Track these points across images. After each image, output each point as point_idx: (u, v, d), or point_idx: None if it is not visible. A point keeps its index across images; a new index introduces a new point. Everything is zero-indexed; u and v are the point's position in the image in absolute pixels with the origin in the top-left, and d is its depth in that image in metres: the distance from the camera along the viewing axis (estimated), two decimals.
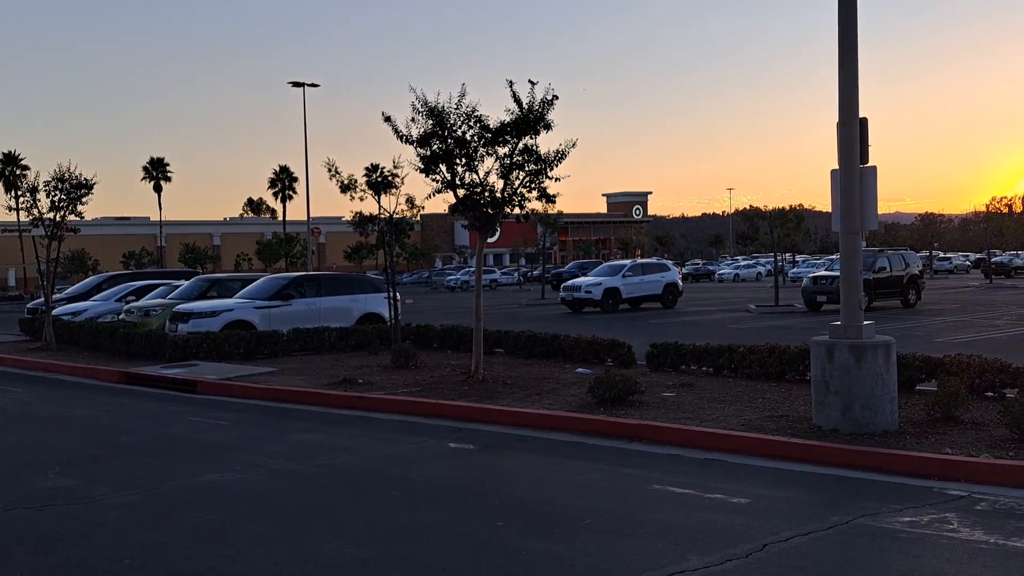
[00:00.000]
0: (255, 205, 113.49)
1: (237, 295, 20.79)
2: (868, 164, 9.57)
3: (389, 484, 8.15)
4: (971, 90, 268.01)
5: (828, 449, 8.64)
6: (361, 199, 16.70)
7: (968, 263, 76.77)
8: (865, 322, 9.51)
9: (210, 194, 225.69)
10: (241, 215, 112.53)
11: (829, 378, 9.37)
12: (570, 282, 33.50)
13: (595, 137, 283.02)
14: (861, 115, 9.51)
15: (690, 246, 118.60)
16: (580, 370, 14.23)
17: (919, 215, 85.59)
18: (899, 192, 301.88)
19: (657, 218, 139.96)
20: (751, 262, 72.69)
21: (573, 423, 10.44)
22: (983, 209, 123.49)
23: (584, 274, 37.69)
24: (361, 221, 17.79)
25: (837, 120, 9.58)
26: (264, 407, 12.76)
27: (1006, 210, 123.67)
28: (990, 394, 10.88)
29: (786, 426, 9.66)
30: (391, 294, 18.27)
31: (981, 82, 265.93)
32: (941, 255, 77.91)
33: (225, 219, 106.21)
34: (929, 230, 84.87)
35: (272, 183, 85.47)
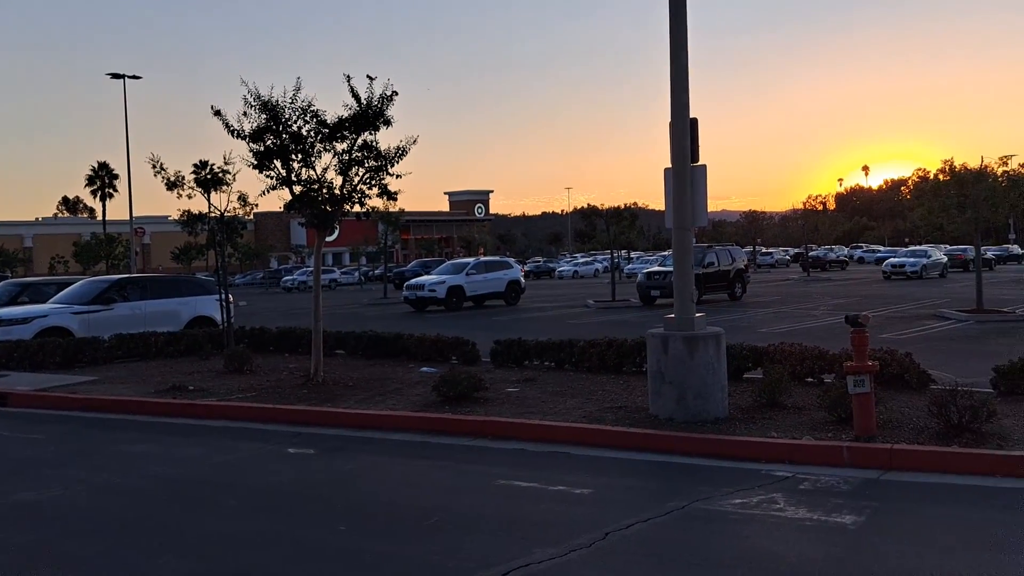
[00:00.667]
0: (71, 204, 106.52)
1: (52, 300, 19.42)
2: (698, 163, 9.97)
3: (225, 493, 7.78)
4: (791, 95, 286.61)
5: (664, 437, 8.94)
6: (189, 197, 15.88)
7: (788, 258, 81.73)
8: (697, 315, 9.90)
9: (20, 193, 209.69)
10: (55, 215, 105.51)
11: (664, 369, 9.70)
12: (413, 280, 33.33)
13: (438, 136, 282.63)
14: (692, 115, 9.90)
15: (531, 244, 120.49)
16: (424, 369, 14.12)
17: (744, 212, 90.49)
18: (725, 191, 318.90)
19: (499, 216, 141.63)
20: (589, 259, 74.70)
21: (418, 422, 10.33)
22: (801, 206, 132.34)
23: (427, 273, 37.60)
24: (190, 220, 16.87)
25: (669, 120, 9.92)
26: (86, 419, 11.91)
27: (821, 207, 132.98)
28: (810, 380, 11.59)
29: (625, 416, 9.93)
30: (223, 296, 17.51)
31: (800, 87, 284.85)
32: (764, 250, 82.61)
33: (37, 219, 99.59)
34: (753, 227, 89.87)
35: (90, 180, 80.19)
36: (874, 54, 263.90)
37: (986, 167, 23.53)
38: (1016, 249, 75.11)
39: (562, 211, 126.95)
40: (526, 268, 72.15)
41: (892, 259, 49.09)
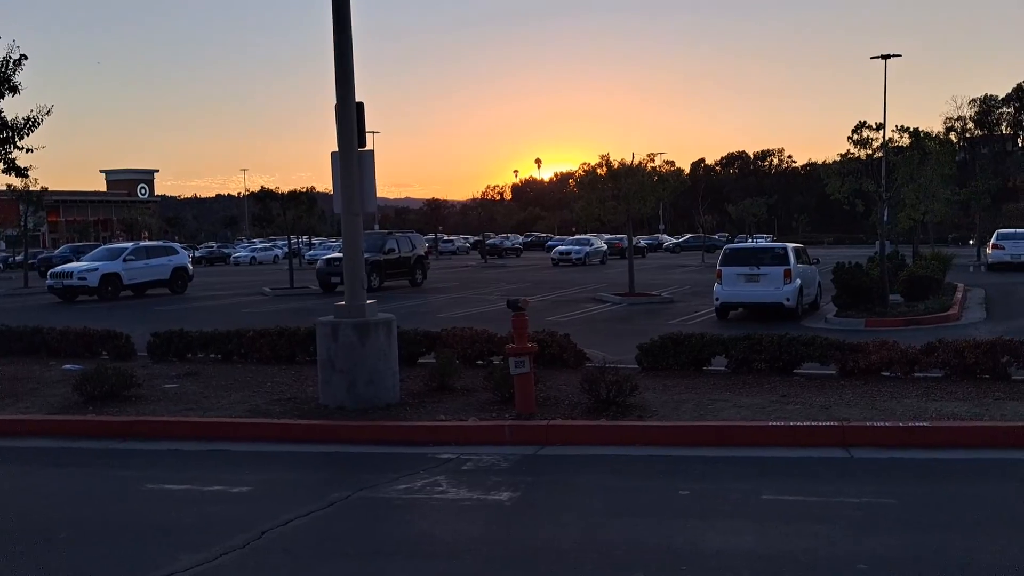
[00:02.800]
0: None
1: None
2: (366, 148, 9.82)
3: None
4: (472, 86, 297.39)
5: (331, 427, 8.73)
6: None
7: (468, 245, 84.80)
8: (368, 301, 9.78)
9: None
10: None
11: (335, 357, 9.48)
12: (60, 268, 29.92)
13: (99, 110, 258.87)
14: (359, 99, 9.72)
15: (204, 228, 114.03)
16: (68, 366, 12.67)
17: (427, 200, 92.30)
18: (408, 179, 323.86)
19: (167, 198, 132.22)
20: (268, 245, 72.25)
21: (55, 427, 9.21)
22: (480, 196, 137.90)
23: (79, 259, 34.00)
24: None
25: (335, 103, 9.67)
26: None
27: (499, 197, 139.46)
28: (481, 362, 11.94)
29: (294, 408, 9.59)
30: None
31: (480, 80, 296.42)
32: (446, 238, 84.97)
33: None
34: (436, 215, 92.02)
35: None
36: (551, 53, 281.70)
37: (640, 163, 25.90)
38: (666, 238, 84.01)
39: (239, 193, 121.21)
40: (197, 254, 68.24)
41: (560, 247, 52.68)
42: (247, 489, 6.99)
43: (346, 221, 9.84)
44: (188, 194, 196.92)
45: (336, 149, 9.77)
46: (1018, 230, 37.99)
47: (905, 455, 7.35)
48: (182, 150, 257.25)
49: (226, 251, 73.86)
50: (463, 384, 10.41)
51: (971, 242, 56.93)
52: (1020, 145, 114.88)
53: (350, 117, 9.59)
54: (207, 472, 7.58)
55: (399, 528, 5.98)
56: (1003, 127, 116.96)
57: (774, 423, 8.04)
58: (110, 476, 7.64)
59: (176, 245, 33.92)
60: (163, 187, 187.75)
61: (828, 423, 7.93)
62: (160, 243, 34.74)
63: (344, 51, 9.56)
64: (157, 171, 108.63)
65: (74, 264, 30.45)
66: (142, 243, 32.97)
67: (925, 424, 7.76)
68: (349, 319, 9.56)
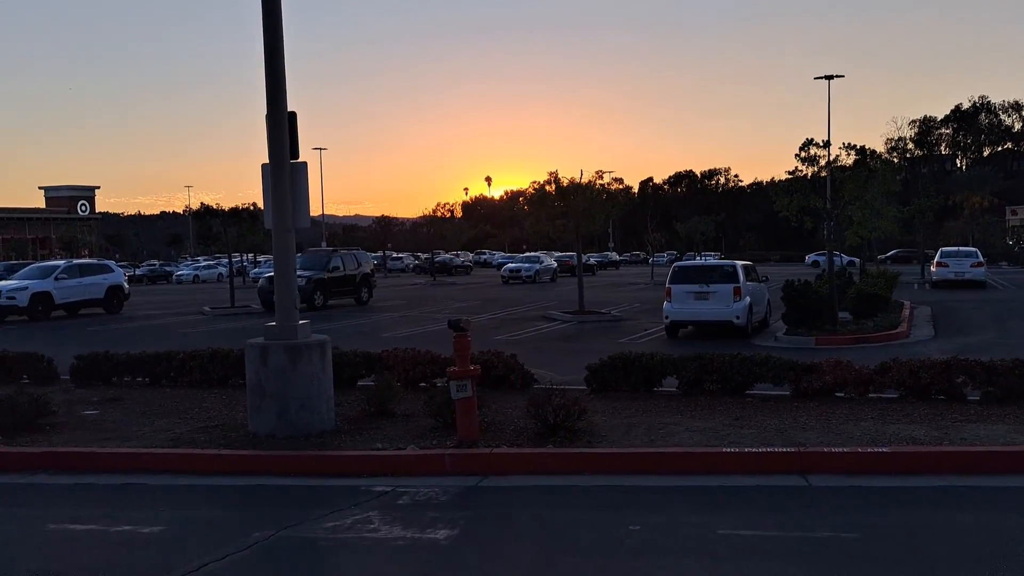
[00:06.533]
0: None
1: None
2: (299, 159, 9.28)
3: None
4: (420, 103, 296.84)
5: (258, 458, 8.13)
6: None
7: (418, 262, 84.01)
8: (301, 321, 9.23)
9: None
10: None
11: (264, 381, 8.90)
12: None
13: (38, 127, 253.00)
14: (295, 109, 9.19)
15: (146, 246, 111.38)
16: None
17: (376, 218, 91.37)
18: (359, 196, 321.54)
19: (109, 215, 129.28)
20: (213, 263, 70.73)
21: None
22: (430, 213, 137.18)
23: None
24: None
25: (266, 113, 9.13)
26: None
27: (449, 215, 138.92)
28: (424, 384, 11.40)
29: (221, 436, 8.97)
30: None
31: (430, 96, 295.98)
32: (395, 255, 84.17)
33: None
34: (385, 232, 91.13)
35: None
36: (501, 70, 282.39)
37: (589, 181, 25.61)
38: (615, 256, 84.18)
39: (184, 211, 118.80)
40: (139, 272, 66.51)
41: (509, 264, 52.30)
42: (159, 529, 6.37)
43: (278, 237, 9.27)
44: (132, 211, 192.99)
45: (267, 161, 9.22)
46: (961, 248, 38.64)
47: (865, 483, 6.98)
48: (125, 167, 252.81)
49: (168, 269, 72.13)
50: (404, 409, 9.87)
51: (914, 261, 57.85)
52: (959, 165, 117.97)
53: (281, 127, 9.05)
54: (118, 510, 6.93)
55: (324, 571, 5.44)
56: (942, 147, 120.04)
57: (728, 449, 7.64)
58: (9, 515, 6.96)
59: (111, 263, 32.62)
60: (106, 204, 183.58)
61: (785, 449, 7.55)
62: (95, 261, 33.48)
63: (273, 52, 9.01)
64: (98, 188, 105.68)
65: (2, 283, 29.13)
66: (75, 261, 31.69)
67: (884, 450, 7.41)
68: (280, 341, 8.99)
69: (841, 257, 35.38)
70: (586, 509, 6.64)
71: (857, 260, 38.71)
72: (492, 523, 6.46)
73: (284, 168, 9.09)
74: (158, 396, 11.50)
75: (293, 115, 9.16)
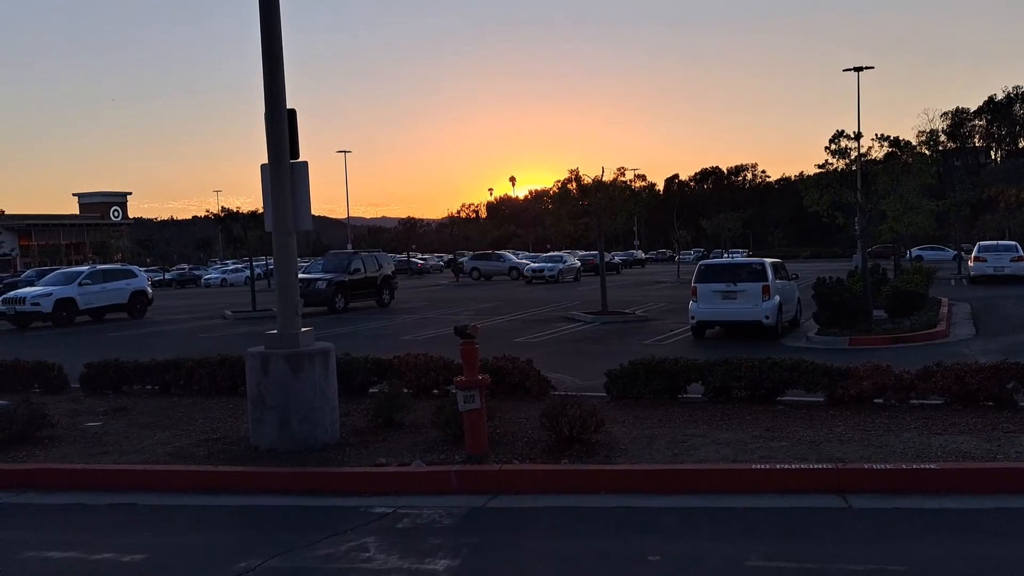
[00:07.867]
0: None
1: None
2: (299, 159, 8.80)
3: None
4: (445, 105, 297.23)
5: (256, 475, 7.65)
6: None
7: (442, 263, 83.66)
8: (303, 329, 8.76)
9: None
10: None
11: (265, 392, 8.45)
12: (12, 293, 28.53)
13: (69, 134, 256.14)
14: (290, 106, 8.72)
15: (176, 250, 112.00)
16: None
17: (402, 219, 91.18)
18: (384, 197, 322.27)
19: (143, 220, 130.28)
20: (241, 266, 70.76)
21: None
22: (455, 214, 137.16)
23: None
24: None
25: (264, 111, 8.66)
26: None
27: (474, 215, 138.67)
28: (436, 392, 10.91)
29: (221, 450, 8.54)
30: None
31: (456, 98, 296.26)
32: (420, 256, 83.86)
33: None
34: (410, 233, 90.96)
35: None
36: (525, 70, 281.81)
37: (612, 179, 25.02)
38: (640, 254, 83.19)
39: (206, 214, 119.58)
40: (168, 276, 66.72)
41: (532, 264, 51.69)
42: (140, 557, 5.90)
43: (278, 240, 8.79)
44: (165, 216, 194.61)
45: (266, 162, 8.75)
46: (1000, 242, 37.46)
47: (911, 504, 6.32)
48: (159, 173, 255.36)
49: (197, 273, 72.36)
50: (413, 419, 9.36)
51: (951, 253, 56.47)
52: (993, 157, 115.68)
53: (280, 125, 8.58)
54: (101, 534, 6.48)
55: None
56: (976, 139, 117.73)
57: (759, 465, 7.03)
58: None
59: (135, 268, 32.39)
60: (139, 210, 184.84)
61: (821, 465, 6.91)
62: (119, 266, 33.31)
63: (271, 43, 8.54)
64: (130, 193, 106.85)
65: (27, 289, 29.00)
66: (99, 266, 31.54)
67: (932, 467, 6.75)
68: (280, 350, 8.52)
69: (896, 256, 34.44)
70: (602, 535, 6.07)
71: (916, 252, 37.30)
72: (497, 552, 5.90)
73: (284, 168, 8.62)
74: (165, 405, 11.12)
75: (293, 112, 8.69)
